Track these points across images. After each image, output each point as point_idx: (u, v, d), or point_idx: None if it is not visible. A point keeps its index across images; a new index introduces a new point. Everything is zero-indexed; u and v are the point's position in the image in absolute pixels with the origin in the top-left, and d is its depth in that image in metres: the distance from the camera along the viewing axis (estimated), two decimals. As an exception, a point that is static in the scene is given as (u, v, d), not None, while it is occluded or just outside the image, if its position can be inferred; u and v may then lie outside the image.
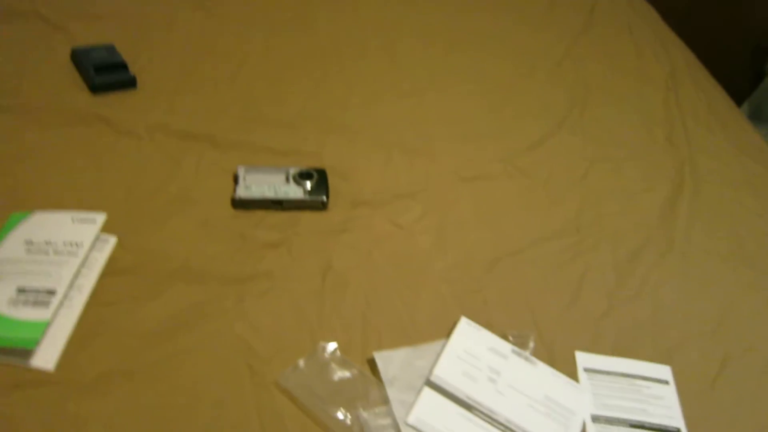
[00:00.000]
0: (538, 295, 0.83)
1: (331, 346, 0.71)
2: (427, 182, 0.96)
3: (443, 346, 0.73)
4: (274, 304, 0.75)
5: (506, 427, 0.67)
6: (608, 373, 0.75)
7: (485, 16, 1.37)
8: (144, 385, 0.64)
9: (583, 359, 0.76)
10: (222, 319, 0.72)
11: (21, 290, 0.67)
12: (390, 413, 0.66)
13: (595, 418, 0.70)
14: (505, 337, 0.77)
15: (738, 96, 1.41)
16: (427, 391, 0.68)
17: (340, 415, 0.65)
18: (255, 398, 0.66)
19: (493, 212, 0.94)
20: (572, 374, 0.74)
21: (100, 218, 0.76)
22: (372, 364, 0.71)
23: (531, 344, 0.76)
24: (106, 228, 0.77)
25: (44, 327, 0.64)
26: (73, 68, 0.98)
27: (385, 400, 0.67)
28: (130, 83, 0.98)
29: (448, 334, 0.76)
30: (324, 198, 0.87)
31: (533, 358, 0.74)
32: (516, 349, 0.75)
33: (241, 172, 0.87)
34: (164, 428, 0.62)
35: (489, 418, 0.68)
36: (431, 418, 0.66)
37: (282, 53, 1.13)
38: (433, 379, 0.70)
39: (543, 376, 0.73)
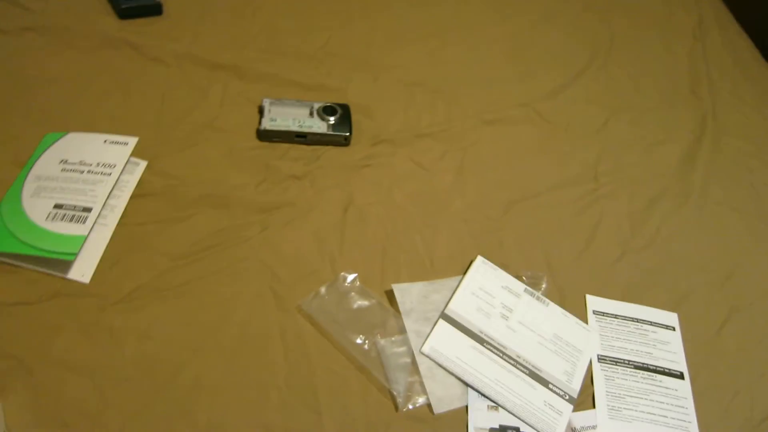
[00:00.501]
0: (553, 238, 0.85)
1: (352, 276, 0.74)
2: (448, 123, 0.97)
3: (459, 282, 0.76)
4: (296, 234, 0.77)
5: (516, 362, 0.70)
6: (616, 316, 0.78)
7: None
8: (174, 302, 0.68)
9: (593, 302, 0.78)
10: (246, 245, 0.74)
11: (58, 206, 0.69)
12: (405, 342, 0.70)
13: (601, 358, 0.74)
14: (518, 277, 0.79)
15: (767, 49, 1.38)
16: (442, 323, 0.71)
17: (358, 340, 0.68)
18: (278, 321, 0.69)
19: (512, 156, 0.95)
20: (582, 316, 0.77)
21: (132, 141, 0.78)
22: (390, 296, 0.74)
23: (543, 285, 0.79)
24: (135, 152, 0.79)
25: (81, 241, 0.67)
26: (99, -9, 0.98)
27: (401, 330, 0.71)
28: (155, 10, 0.97)
29: (463, 272, 0.78)
30: (347, 133, 0.88)
31: (545, 298, 0.77)
32: (529, 288, 0.78)
33: (266, 105, 0.88)
34: (193, 343, 0.65)
35: (500, 352, 0.71)
36: (444, 348, 0.69)
37: (308, -13, 1.12)
38: (447, 312, 0.73)
39: (553, 315, 0.76)
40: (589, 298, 0.79)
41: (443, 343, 0.70)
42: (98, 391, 0.60)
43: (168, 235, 0.73)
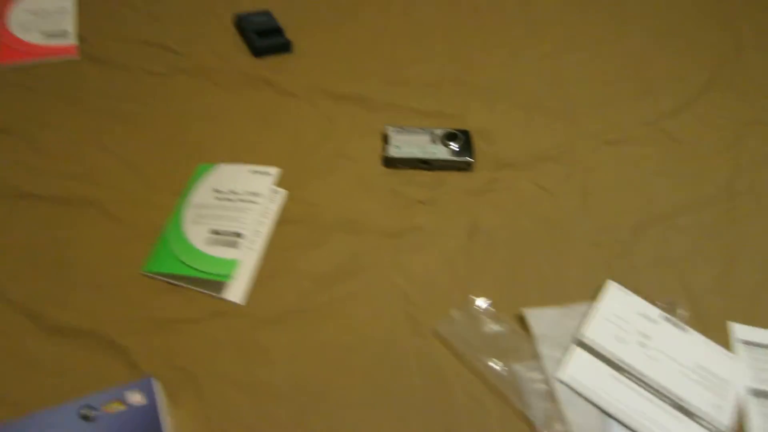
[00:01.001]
0: (688, 262, 0.82)
1: (483, 300, 0.75)
2: (569, 145, 0.96)
3: (592, 308, 0.75)
4: (426, 257, 0.80)
5: (658, 392, 0.69)
6: None
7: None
8: (316, 323, 0.72)
9: (741, 331, 0.75)
10: (380, 268, 0.78)
11: (215, 232, 0.76)
12: (541, 368, 0.70)
13: (758, 393, 0.70)
14: (653, 302, 0.77)
15: None
16: (578, 351, 0.71)
17: (494, 364, 0.69)
18: (414, 343, 0.71)
19: (638, 177, 0.93)
20: (725, 345, 0.74)
21: (274, 171, 0.84)
22: (521, 320, 0.74)
23: (680, 311, 0.76)
24: (276, 181, 0.85)
25: (236, 264, 0.73)
26: (235, 32, 1.06)
27: (535, 355, 0.71)
28: (286, 47, 1.04)
29: (595, 297, 0.77)
30: (469, 159, 0.90)
31: (684, 325, 0.75)
32: (665, 314, 0.75)
33: (390, 132, 0.92)
34: (335, 362, 0.69)
35: (640, 381, 0.69)
36: (582, 376, 0.69)
37: (421, 17, 1.15)
38: (582, 338, 0.72)
39: (695, 343, 0.73)
40: (735, 326, 0.75)
41: (581, 371, 0.69)
42: (256, 406, 0.64)
43: (309, 259, 0.77)
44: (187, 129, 0.90)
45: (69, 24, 1.01)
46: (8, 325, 0.68)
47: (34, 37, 0.98)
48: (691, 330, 0.74)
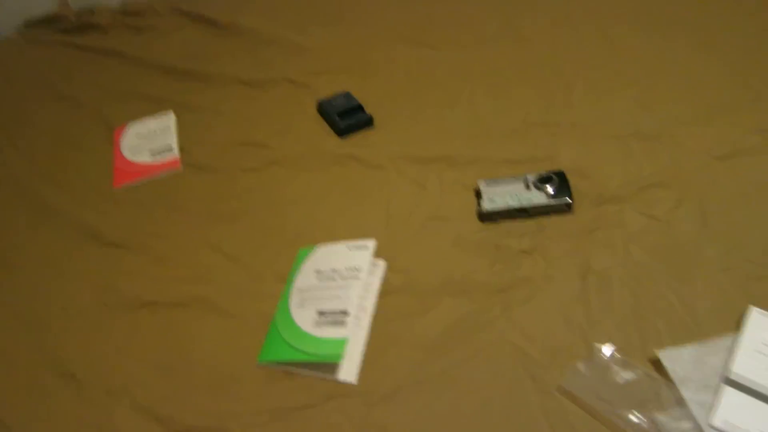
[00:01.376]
0: (843, 274, 0.72)
1: (608, 347, 0.70)
2: (676, 168, 0.90)
3: (735, 340, 0.67)
4: (540, 310, 0.76)
5: (835, 427, 0.59)
6: None
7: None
8: (433, 394, 0.69)
9: None
10: (492, 327, 0.75)
11: (321, 313, 0.77)
12: (688, 415, 0.63)
13: None
14: (810, 325, 0.68)
15: None
16: (729, 390, 0.63)
17: (632, 417, 0.63)
18: (540, 403, 0.67)
19: (761, 188, 0.85)
20: None
21: (371, 244, 0.85)
22: (656, 364, 0.68)
23: None
24: (374, 253, 0.85)
25: (345, 343, 0.74)
26: (320, 118, 1.11)
27: (679, 402, 0.64)
28: (368, 123, 1.08)
29: (737, 327, 0.69)
30: (568, 199, 0.86)
31: None
32: (828, 338, 0.66)
33: (482, 186, 0.90)
34: (460, 433, 0.66)
35: (810, 417, 0.60)
36: (739, 419, 0.61)
37: (497, 67, 1.15)
38: (732, 376, 0.64)
39: None
40: None
41: (736, 413, 0.61)
42: (383, 488, 0.62)
43: (417, 328, 0.76)
44: (285, 216, 0.94)
45: (172, 139, 1.11)
46: (139, 430, 0.71)
47: (143, 157, 1.08)
48: None
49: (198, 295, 0.84)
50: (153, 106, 1.19)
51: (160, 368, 0.77)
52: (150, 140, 1.11)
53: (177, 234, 0.94)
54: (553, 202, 0.86)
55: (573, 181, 0.89)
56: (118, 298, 0.86)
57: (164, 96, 1.20)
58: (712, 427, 0.61)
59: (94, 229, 0.96)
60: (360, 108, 1.09)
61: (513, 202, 0.87)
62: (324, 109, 1.10)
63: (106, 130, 1.16)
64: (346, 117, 1.07)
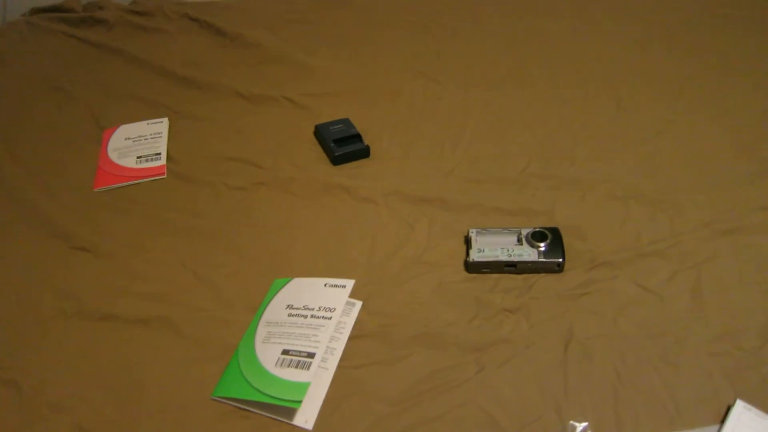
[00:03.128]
0: (840, 373, 0.68)
1: (582, 425, 0.66)
2: (675, 238, 0.87)
3: (717, 435, 0.63)
4: (515, 374, 0.72)
5: None
6: None
7: (719, 49, 1.24)
8: (393, 453, 0.65)
9: None
10: (464, 387, 0.71)
11: (286, 352, 0.73)
12: None
13: None
14: (798, 427, 0.64)
15: None
16: (704, 489, 0.59)
17: (599, 506, 0.59)
18: (503, 477, 0.63)
19: (762, 270, 0.82)
20: None
21: (350, 284, 0.81)
22: (631, 449, 0.64)
23: (836, 439, 0.62)
24: (351, 292, 0.81)
25: (306, 388, 0.69)
26: (315, 142, 1.08)
27: (651, 494, 0.60)
28: (364, 153, 1.05)
29: (720, 420, 0.65)
30: (560, 259, 0.83)
31: (843, 459, 0.60)
32: (816, 444, 0.62)
33: (473, 235, 0.87)
34: (414, 500, 0.61)
35: None
36: None
37: (502, 111, 1.13)
38: (709, 474, 0.60)
39: None
40: None
41: None
42: None
43: (385, 377, 0.72)
44: (266, 242, 0.90)
45: (162, 146, 1.07)
46: (78, 456, 0.67)
47: (129, 162, 1.04)
48: None
49: (161, 314, 0.79)
50: (147, 109, 1.16)
51: (110, 389, 0.72)
52: (139, 144, 1.08)
53: (149, 245, 0.90)
54: (543, 260, 0.83)
55: (567, 239, 0.86)
56: (78, 307, 0.81)
57: (160, 100, 1.17)
58: None
59: (66, 231, 0.92)
60: (358, 136, 1.06)
61: (502, 256, 0.84)
62: (321, 134, 1.07)
63: (95, 128, 1.12)
64: (343, 144, 1.04)
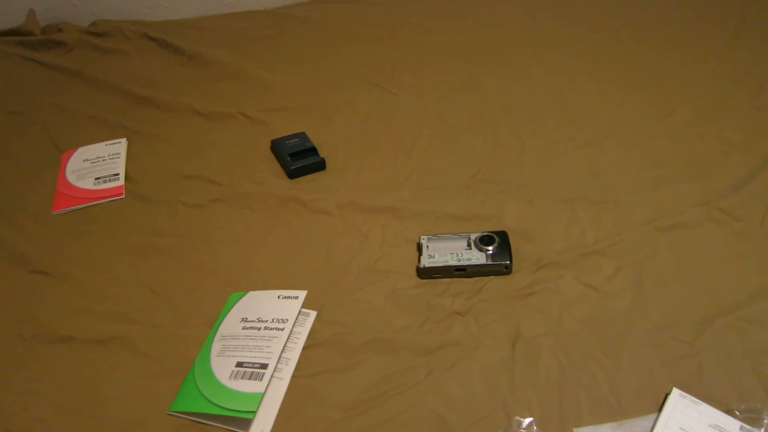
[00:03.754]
0: (768, 359, 0.72)
1: (527, 420, 0.68)
2: (617, 236, 0.90)
3: (654, 423, 0.66)
4: (464, 375, 0.74)
5: None
6: None
7: (661, 52, 1.29)
8: (346, 456, 0.67)
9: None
10: (414, 390, 0.73)
11: (239, 364, 0.75)
12: (598, 498, 0.61)
13: None
14: (730, 411, 0.67)
15: None
16: (639, 475, 0.62)
17: (541, 497, 0.62)
18: (452, 475, 0.65)
19: (699, 264, 0.85)
20: (824, 459, 0.63)
21: (302, 295, 0.83)
22: (573, 441, 0.66)
23: (765, 420, 0.66)
24: (305, 303, 0.83)
25: (259, 399, 0.71)
26: (272, 157, 1.10)
27: (591, 483, 0.62)
28: (320, 166, 1.07)
29: (658, 409, 0.69)
30: (507, 261, 0.86)
31: (769, 439, 0.64)
32: (746, 426, 0.65)
33: (424, 242, 0.90)
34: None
35: None
36: (646, 506, 0.60)
37: (454, 119, 1.16)
38: (644, 460, 0.63)
39: (785, 460, 0.62)
40: (831, 436, 0.64)
41: (643, 501, 0.60)
42: None
43: (338, 384, 0.74)
44: (222, 257, 0.92)
45: (121, 167, 1.08)
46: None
47: (87, 183, 1.05)
48: (777, 445, 0.63)
49: (119, 333, 0.81)
50: (106, 131, 1.17)
51: (69, 410, 0.73)
52: (97, 166, 1.09)
53: (107, 266, 0.91)
54: (492, 263, 0.86)
55: (515, 242, 0.89)
56: (36, 330, 0.82)
57: (118, 121, 1.19)
58: None
59: (23, 254, 0.93)
60: (313, 150, 1.08)
61: (452, 260, 0.87)
62: (277, 149, 1.09)
63: (54, 151, 1.13)
64: (298, 158, 1.06)
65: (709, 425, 0.66)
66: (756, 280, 0.82)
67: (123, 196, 1.03)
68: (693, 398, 0.68)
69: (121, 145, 1.13)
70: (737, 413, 0.67)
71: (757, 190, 0.95)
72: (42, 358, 0.79)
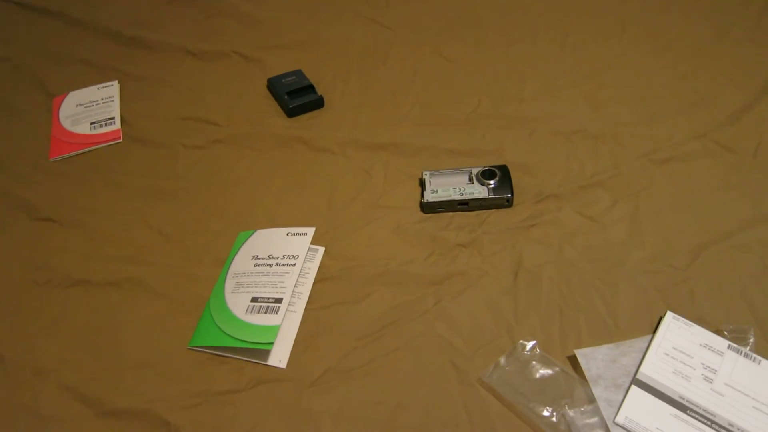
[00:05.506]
0: (757, 284, 0.76)
1: (531, 343, 0.72)
2: (615, 169, 0.92)
3: (649, 343, 0.71)
4: (470, 304, 0.78)
5: (728, 431, 0.63)
6: None
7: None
8: (361, 382, 0.71)
9: (820, 355, 0.68)
10: (423, 319, 0.76)
11: (255, 299, 0.78)
12: (597, 412, 0.66)
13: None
14: (719, 332, 0.71)
15: None
16: (635, 390, 0.66)
17: (546, 412, 0.66)
18: (461, 395, 0.69)
19: (694, 195, 0.88)
20: (806, 371, 0.67)
21: (311, 231, 0.85)
22: (574, 362, 0.71)
23: (751, 340, 0.70)
24: (314, 239, 0.86)
25: (276, 331, 0.74)
26: (269, 96, 1.10)
27: (591, 399, 0.67)
28: (318, 104, 1.07)
29: (653, 330, 0.73)
30: (509, 195, 0.88)
31: (755, 355, 0.68)
32: (733, 345, 0.69)
33: (426, 177, 0.91)
34: (382, 423, 0.68)
35: (707, 420, 0.64)
36: (641, 417, 0.64)
37: (452, 54, 1.15)
38: (640, 377, 0.67)
39: (770, 373, 0.67)
40: (814, 350, 0.69)
41: (639, 412, 0.65)
42: (304, 473, 0.64)
43: (350, 315, 0.77)
44: (227, 198, 0.93)
45: (115, 110, 1.07)
46: (66, 411, 0.71)
47: (83, 128, 1.04)
48: (763, 360, 0.68)
49: (132, 275, 0.83)
50: (95, 73, 1.15)
51: (90, 349, 0.76)
52: (91, 110, 1.08)
53: (113, 210, 0.92)
54: (493, 196, 0.88)
55: (516, 176, 0.91)
56: (49, 275, 0.84)
57: (107, 63, 1.16)
58: (616, 424, 0.64)
59: (27, 202, 0.93)
60: (311, 88, 1.08)
61: (455, 195, 0.88)
62: (274, 87, 1.08)
63: (44, 96, 1.11)
64: (296, 97, 1.06)
65: (700, 345, 0.70)
66: (747, 210, 0.85)
67: (121, 140, 1.03)
68: (685, 320, 0.72)
69: (113, 88, 1.12)
70: (725, 333, 0.71)
71: (751, 123, 0.97)
72: (59, 302, 0.81)
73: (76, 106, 1.09)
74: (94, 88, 1.12)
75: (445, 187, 0.89)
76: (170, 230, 0.89)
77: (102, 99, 1.10)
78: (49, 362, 0.75)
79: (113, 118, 1.06)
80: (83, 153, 1.01)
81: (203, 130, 1.03)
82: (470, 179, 0.90)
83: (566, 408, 0.66)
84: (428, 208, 0.89)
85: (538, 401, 0.67)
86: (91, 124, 1.05)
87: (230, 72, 1.14)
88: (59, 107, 1.09)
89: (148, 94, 1.11)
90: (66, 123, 1.06)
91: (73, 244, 0.88)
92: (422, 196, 0.89)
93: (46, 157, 1.01)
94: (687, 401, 0.65)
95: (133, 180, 0.96)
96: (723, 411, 0.64)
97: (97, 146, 1.02)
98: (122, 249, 0.87)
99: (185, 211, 0.91)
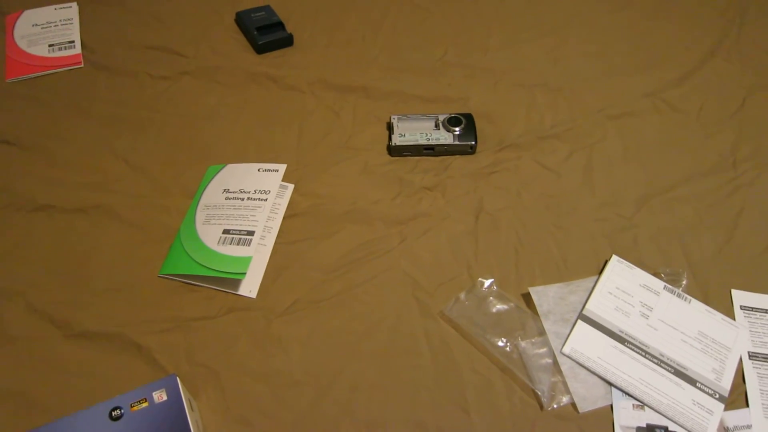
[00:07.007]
0: (691, 233, 0.83)
1: (488, 281, 0.77)
2: (572, 122, 0.97)
3: (595, 283, 0.77)
4: (433, 243, 0.82)
5: (660, 360, 0.71)
6: (767, 311, 0.75)
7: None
8: (329, 312, 0.75)
9: (740, 297, 0.76)
10: (389, 256, 0.80)
11: (226, 231, 0.79)
12: (546, 343, 0.72)
13: (753, 356, 0.72)
14: (657, 274, 0.78)
15: None
16: (581, 324, 0.73)
17: (500, 343, 0.72)
18: (423, 326, 0.74)
19: (641, 149, 0.94)
20: (728, 312, 0.75)
21: (282, 168, 0.86)
22: (527, 298, 0.76)
23: (684, 282, 0.78)
24: (284, 176, 0.87)
25: (248, 262, 0.76)
26: (237, 30, 1.08)
27: (541, 332, 0.73)
28: (288, 42, 1.06)
29: (599, 272, 0.79)
30: (473, 142, 0.92)
31: (686, 295, 0.76)
32: (668, 286, 0.77)
33: (394, 121, 0.94)
34: (349, 349, 0.72)
35: (642, 350, 0.71)
36: (585, 348, 0.71)
37: (420, 2, 1.16)
38: (586, 313, 0.74)
39: (697, 312, 0.74)
40: (735, 293, 0.77)
41: (583, 344, 0.71)
42: (273, 393, 0.68)
43: (318, 250, 0.80)
44: (195, 131, 0.93)
45: (75, 34, 1.03)
46: (35, 332, 0.72)
47: (41, 50, 1.00)
48: (693, 300, 0.76)
49: (99, 202, 0.82)
50: (53, -7, 1.10)
51: (57, 273, 0.77)
52: (49, 32, 1.03)
53: (77, 137, 0.90)
54: (458, 143, 0.91)
55: (479, 124, 0.95)
56: (11, 199, 0.83)
57: (66, -17, 1.11)
58: (563, 354, 0.71)
59: (-16, 123, 0.90)
60: (280, 25, 1.07)
61: (421, 140, 0.91)
62: (243, 22, 1.07)
63: (-3, 13, 1.06)
64: (266, 33, 1.05)
65: (639, 285, 0.77)
66: (687, 165, 0.92)
67: (82, 65, 1.00)
68: (628, 263, 0.79)
69: (72, 10, 1.07)
70: (662, 276, 0.78)
71: (697, 85, 1.03)
72: (21, 226, 0.81)
73: (32, 26, 1.04)
74: (51, 8, 1.07)
75: (412, 131, 0.92)
76: (137, 160, 0.88)
77: (60, 21, 1.05)
78: (15, 284, 0.75)
79: (73, 41, 1.02)
80: (42, 76, 0.98)
81: (169, 61, 1.01)
82: (437, 125, 0.93)
83: (519, 339, 0.72)
84: (395, 151, 0.92)
85: (494, 333, 0.73)
86: (50, 46, 1.01)
87: (196, 2, 1.12)
88: (14, 26, 1.04)
89: (109, 18, 1.07)
90: (22, 43, 1.01)
91: (36, 168, 0.86)
92: (390, 139, 0.92)
93: (2, 78, 0.97)
94: (625, 334, 0.72)
95: (96, 107, 0.94)
96: (656, 343, 0.72)
97: (56, 70, 0.99)
98: (87, 176, 0.86)
99: (152, 142, 0.91)
